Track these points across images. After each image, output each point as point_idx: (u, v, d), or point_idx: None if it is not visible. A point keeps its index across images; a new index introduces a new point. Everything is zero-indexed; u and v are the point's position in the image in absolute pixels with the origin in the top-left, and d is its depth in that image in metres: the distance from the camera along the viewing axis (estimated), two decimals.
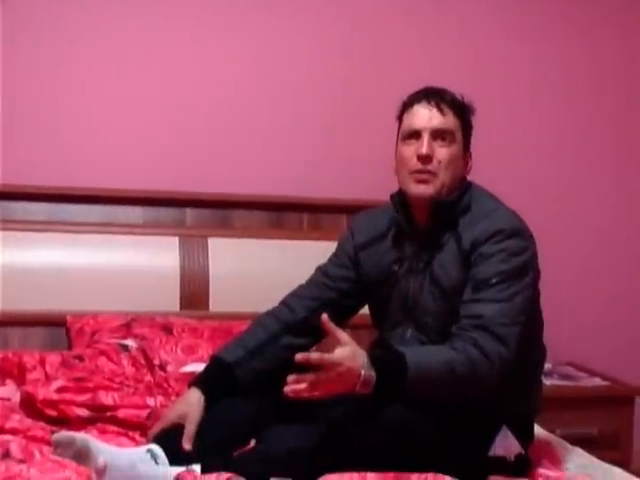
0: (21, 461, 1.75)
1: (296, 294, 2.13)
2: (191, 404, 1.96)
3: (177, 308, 2.79)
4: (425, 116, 1.95)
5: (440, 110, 1.94)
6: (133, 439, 2.05)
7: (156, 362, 2.42)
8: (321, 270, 2.15)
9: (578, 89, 3.29)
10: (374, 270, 2.05)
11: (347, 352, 1.70)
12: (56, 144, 2.83)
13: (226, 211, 2.95)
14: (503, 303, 1.82)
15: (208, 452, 1.83)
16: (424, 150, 1.92)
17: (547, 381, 2.78)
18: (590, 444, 2.40)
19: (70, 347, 2.61)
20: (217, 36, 2.95)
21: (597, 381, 2.99)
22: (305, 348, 1.98)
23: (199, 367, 2.38)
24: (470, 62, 3.16)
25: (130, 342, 2.50)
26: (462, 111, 1.98)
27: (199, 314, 2.77)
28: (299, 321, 2.06)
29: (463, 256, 1.89)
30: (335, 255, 2.16)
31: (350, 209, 2.90)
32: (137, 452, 1.83)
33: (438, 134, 1.94)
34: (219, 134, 2.97)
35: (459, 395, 1.80)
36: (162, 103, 2.91)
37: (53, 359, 2.41)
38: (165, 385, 2.32)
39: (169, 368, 2.40)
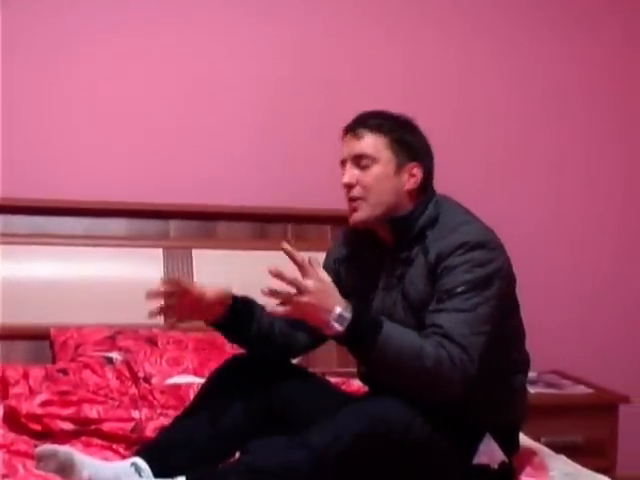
0: (4, 476, 1.74)
1: None
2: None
3: (162, 320, 2.77)
4: (346, 146, 1.99)
5: (355, 136, 1.96)
6: (118, 452, 2.05)
7: (141, 375, 2.41)
8: None
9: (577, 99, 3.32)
10: (353, 285, 2.05)
11: (322, 286, 1.76)
12: (40, 157, 2.83)
13: (210, 222, 2.95)
14: (466, 313, 1.82)
15: (193, 464, 1.82)
16: (344, 179, 1.97)
17: (532, 389, 2.79)
18: (575, 452, 2.40)
19: (54, 360, 2.60)
20: (196, 51, 2.96)
21: (582, 389, 3.00)
22: (300, 341, 2.03)
23: (184, 379, 2.37)
24: (465, 57, 3.18)
25: (114, 355, 2.49)
26: (391, 128, 1.96)
27: (184, 326, 2.75)
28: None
29: (429, 270, 1.89)
30: (323, 267, 2.17)
31: (334, 220, 2.90)
32: (121, 465, 1.83)
33: (358, 160, 1.96)
34: (203, 146, 2.97)
35: (421, 386, 1.78)
36: (146, 116, 2.92)
37: (37, 373, 2.40)
38: (150, 398, 2.31)
39: (154, 380, 2.40)
